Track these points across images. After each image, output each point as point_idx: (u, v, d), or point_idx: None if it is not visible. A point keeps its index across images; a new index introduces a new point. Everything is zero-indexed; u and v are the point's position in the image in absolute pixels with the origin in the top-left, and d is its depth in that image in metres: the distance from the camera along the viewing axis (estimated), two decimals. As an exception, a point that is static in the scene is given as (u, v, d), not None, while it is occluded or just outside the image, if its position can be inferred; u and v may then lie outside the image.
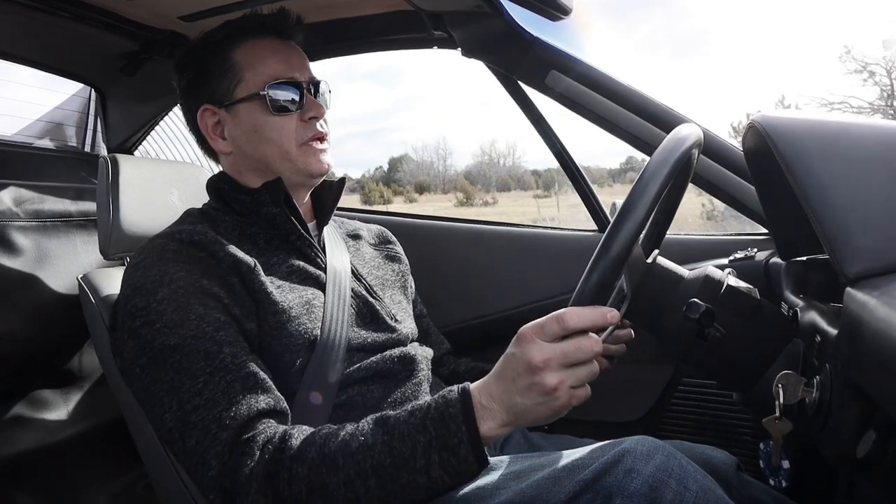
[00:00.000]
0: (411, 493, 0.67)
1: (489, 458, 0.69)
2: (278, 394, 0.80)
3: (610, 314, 0.65)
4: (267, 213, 0.94)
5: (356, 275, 1.01)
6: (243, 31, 0.97)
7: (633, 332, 1.00)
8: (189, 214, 0.97)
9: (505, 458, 0.83)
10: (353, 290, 0.97)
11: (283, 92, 0.94)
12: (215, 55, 0.96)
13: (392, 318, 1.00)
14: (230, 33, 0.97)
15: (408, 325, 1.03)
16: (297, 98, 0.95)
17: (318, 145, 0.96)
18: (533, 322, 0.66)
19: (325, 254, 0.99)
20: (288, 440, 0.72)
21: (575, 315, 0.64)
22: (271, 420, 0.76)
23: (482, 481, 0.76)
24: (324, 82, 1.00)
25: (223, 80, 0.95)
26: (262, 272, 0.87)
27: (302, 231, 0.96)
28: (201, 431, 0.73)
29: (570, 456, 0.71)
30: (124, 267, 1.01)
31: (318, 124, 0.96)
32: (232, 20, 0.99)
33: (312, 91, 0.97)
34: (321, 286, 0.94)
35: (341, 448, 0.69)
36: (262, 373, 0.79)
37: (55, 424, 1.41)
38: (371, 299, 0.99)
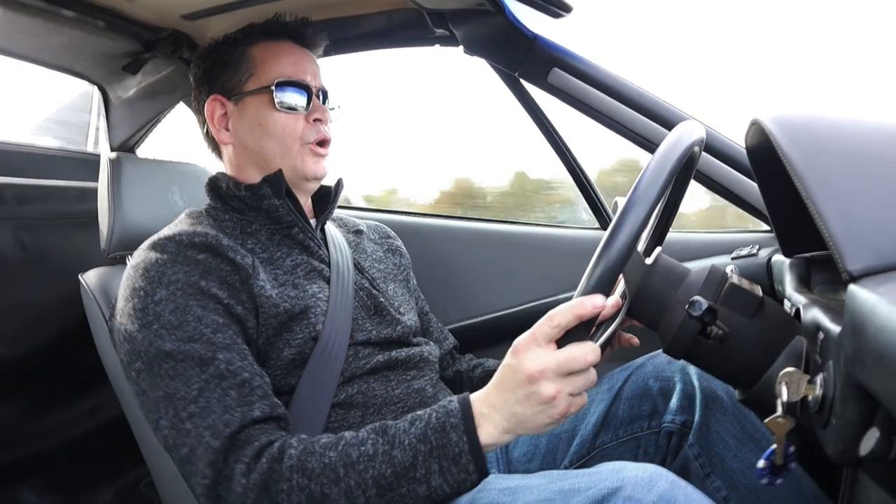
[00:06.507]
0: (410, 503, 0.68)
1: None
2: (275, 400, 0.79)
3: (591, 301, 0.63)
4: (268, 206, 0.94)
5: (359, 268, 1.01)
6: (264, 31, 1.01)
7: (632, 332, 1.00)
8: (189, 215, 0.97)
9: (501, 474, 0.81)
10: (356, 283, 0.97)
11: (291, 91, 0.96)
12: (233, 49, 1.00)
13: (397, 311, 1.00)
14: (251, 31, 1.01)
15: (412, 319, 1.03)
16: (303, 100, 0.97)
17: (320, 150, 0.98)
18: (525, 332, 0.67)
19: (327, 248, 0.99)
20: (286, 450, 0.72)
21: (559, 311, 0.65)
22: (267, 427, 0.76)
23: (476, 495, 0.74)
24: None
25: (236, 73, 0.98)
26: (261, 273, 0.87)
27: (304, 223, 0.97)
28: (195, 439, 0.74)
29: (566, 478, 0.69)
30: (125, 266, 1.01)
31: (323, 128, 0.99)
32: (255, 23, 1.02)
33: (321, 98, 1.00)
34: (326, 280, 0.94)
35: (342, 458, 0.70)
36: (258, 378, 0.79)
37: (58, 423, 1.42)
38: (375, 292, 0.99)
